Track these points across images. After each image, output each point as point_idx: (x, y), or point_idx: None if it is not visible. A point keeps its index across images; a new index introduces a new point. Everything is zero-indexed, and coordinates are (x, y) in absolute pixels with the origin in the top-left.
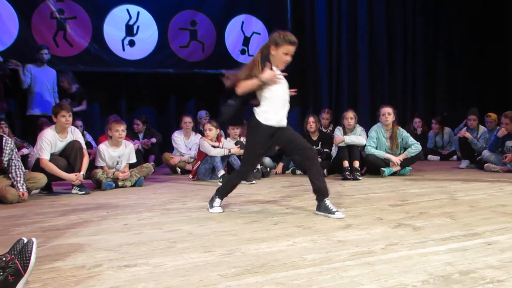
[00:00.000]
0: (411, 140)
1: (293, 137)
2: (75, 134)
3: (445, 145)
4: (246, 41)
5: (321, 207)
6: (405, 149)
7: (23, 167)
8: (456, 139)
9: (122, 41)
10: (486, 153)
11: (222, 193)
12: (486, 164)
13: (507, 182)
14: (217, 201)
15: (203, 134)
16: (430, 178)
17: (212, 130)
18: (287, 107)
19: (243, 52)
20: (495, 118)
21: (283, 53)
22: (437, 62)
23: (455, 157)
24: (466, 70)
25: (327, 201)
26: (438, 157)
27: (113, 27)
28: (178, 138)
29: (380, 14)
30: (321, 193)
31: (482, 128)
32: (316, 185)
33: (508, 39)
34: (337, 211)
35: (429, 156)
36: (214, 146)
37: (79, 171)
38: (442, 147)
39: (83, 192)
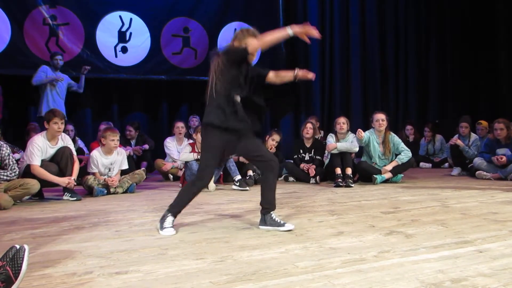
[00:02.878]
0: (401, 146)
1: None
2: (66, 140)
3: (436, 153)
4: None
5: (267, 221)
6: (396, 155)
7: (16, 172)
8: (448, 147)
9: (115, 47)
10: (477, 160)
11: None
12: (477, 172)
13: (498, 190)
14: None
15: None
16: (422, 185)
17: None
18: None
19: None
20: (486, 125)
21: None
22: (429, 69)
23: (447, 164)
24: (458, 78)
25: (273, 214)
26: (430, 165)
27: (105, 34)
28: (170, 144)
29: (373, 23)
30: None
31: (473, 136)
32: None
33: (499, 47)
34: (285, 223)
35: (421, 164)
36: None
37: (71, 176)
38: (434, 154)
39: (75, 199)
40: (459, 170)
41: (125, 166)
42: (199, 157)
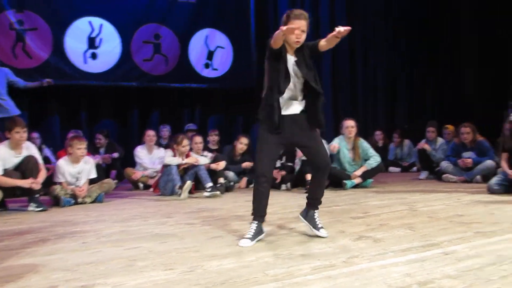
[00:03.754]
0: (370, 152)
1: None
2: (31, 149)
3: (405, 157)
4: (210, 55)
5: (308, 217)
6: (366, 160)
7: None
8: (416, 151)
9: (84, 53)
10: (444, 164)
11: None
12: (444, 175)
13: (464, 192)
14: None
15: (165, 148)
16: (390, 190)
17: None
18: None
19: (207, 66)
20: (452, 130)
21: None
22: (397, 76)
23: (415, 168)
24: (425, 83)
25: (317, 214)
26: (399, 169)
27: (74, 40)
28: (141, 153)
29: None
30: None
31: (440, 140)
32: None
33: (463, 54)
34: (321, 228)
35: (390, 168)
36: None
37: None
38: (402, 159)
39: (40, 209)
40: (426, 174)
41: (93, 175)
42: (183, 161)
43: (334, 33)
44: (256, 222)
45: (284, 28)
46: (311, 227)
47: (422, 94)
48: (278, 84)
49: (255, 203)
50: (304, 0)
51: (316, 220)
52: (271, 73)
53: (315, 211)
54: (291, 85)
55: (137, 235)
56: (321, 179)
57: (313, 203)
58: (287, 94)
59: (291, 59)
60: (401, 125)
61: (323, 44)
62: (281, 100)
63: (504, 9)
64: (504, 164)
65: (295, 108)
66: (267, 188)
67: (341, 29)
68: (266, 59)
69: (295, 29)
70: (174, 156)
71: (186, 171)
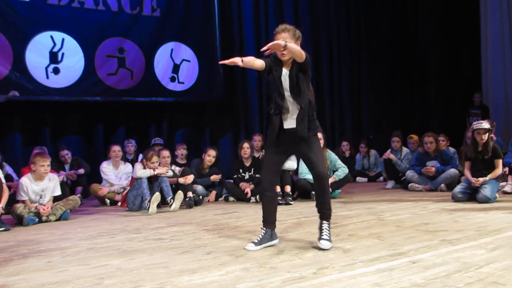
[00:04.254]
0: (338, 163)
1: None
2: None
3: (372, 167)
4: (176, 68)
5: (320, 227)
6: (334, 171)
7: None
8: (382, 161)
9: (46, 68)
10: (409, 173)
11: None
12: (410, 184)
13: (429, 201)
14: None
15: (131, 162)
16: (358, 200)
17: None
18: None
19: (172, 79)
20: (417, 139)
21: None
22: (361, 87)
23: (381, 178)
24: (390, 95)
25: (325, 225)
26: (366, 179)
27: (36, 54)
28: (107, 168)
29: (306, 42)
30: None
31: (405, 150)
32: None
33: (427, 67)
34: (326, 240)
35: (358, 178)
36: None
37: None
38: (369, 169)
39: (3, 229)
40: (393, 183)
41: (58, 192)
42: (155, 172)
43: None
44: (265, 229)
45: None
46: (317, 240)
47: (387, 104)
48: (275, 98)
49: (264, 212)
50: (268, 11)
51: (322, 230)
52: (272, 87)
53: (324, 221)
54: (287, 98)
55: (104, 253)
56: (320, 188)
57: (321, 213)
58: (287, 107)
59: (284, 73)
60: (367, 136)
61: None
62: (284, 111)
63: (466, 24)
64: (467, 173)
65: (293, 122)
66: (271, 197)
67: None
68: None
69: (271, 49)
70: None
71: (151, 184)
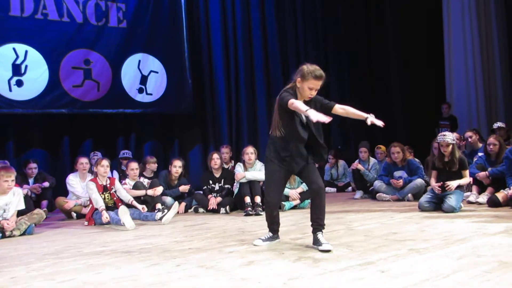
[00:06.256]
0: None
1: None
2: None
3: (340, 177)
4: (144, 79)
5: (313, 240)
6: (302, 182)
7: None
8: (350, 171)
9: (9, 81)
10: (377, 183)
11: None
12: (378, 194)
13: (397, 211)
14: None
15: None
16: (327, 210)
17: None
18: None
19: (140, 90)
20: (384, 150)
21: (308, 87)
22: (329, 98)
23: (350, 188)
24: (356, 105)
25: (319, 235)
26: (335, 189)
27: None
28: (73, 181)
29: (275, 52)
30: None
31: (372, 160)
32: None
33: (393, 77)
34: (325, 243)
35: (327, 188)
36: None
37: None
38: (337, 179)
39: None
40: (361, 193)
41: (22, 206)
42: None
43: (364, 117)
44: (271, 233)
45: (322, 119)
46: (317, 247)
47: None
48: (297, 133)
49: (267, 221)
50: (236, 20)
51: (319, 239)
52: (287, 121)
53: (318, 233)
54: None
55: (71, 267)
56: (316, 202)
57: (316, 227)
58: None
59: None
60: (335, 146)
61: (340, 111)
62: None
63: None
64: (433, 182)
65: (304, 149)
66: (272, 209)
67: (376, 122)
68: (279, 108)
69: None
70: (97, 186)
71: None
